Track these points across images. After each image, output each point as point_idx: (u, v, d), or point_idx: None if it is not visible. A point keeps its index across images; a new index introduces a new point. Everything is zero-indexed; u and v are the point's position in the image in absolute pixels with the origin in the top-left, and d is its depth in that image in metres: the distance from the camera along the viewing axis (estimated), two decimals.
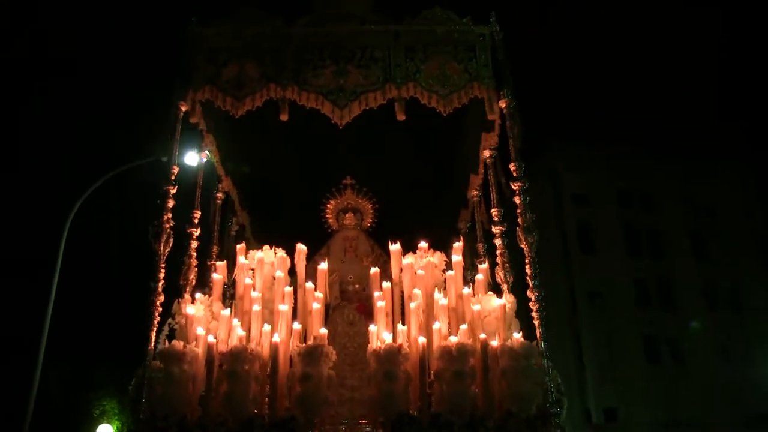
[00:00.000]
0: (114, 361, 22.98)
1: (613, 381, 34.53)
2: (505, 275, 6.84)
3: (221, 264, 7.28)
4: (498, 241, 7.07)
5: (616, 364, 35.07)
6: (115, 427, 24.88)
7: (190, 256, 7.10)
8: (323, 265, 7.06)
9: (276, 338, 5.76)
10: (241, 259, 7.21)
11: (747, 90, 62.05)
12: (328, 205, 8.68)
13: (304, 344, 5.75)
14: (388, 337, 5.81)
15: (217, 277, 7.00)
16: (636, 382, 34.59)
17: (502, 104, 6.63)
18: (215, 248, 7.92)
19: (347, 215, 8.60)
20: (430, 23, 6.88)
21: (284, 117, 6.66)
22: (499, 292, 6.81)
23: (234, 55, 6.79)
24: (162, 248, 6.04)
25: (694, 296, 37.63)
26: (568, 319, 35.12)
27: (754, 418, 15.73)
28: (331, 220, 8.68)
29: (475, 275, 7.22)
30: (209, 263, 7.61)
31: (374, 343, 5.85)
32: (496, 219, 7.19)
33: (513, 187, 6.37)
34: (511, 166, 6.43)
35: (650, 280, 37.62)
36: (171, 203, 6.30)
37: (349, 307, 7.88)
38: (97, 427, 24.62)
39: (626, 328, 35.89)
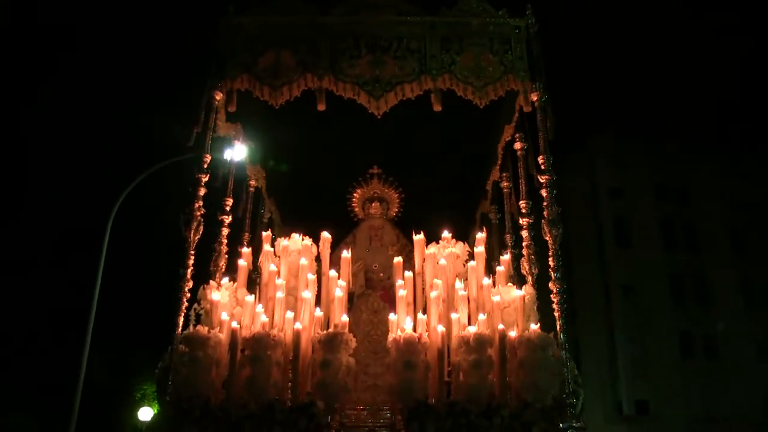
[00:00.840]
0: (152, 347, 23.73)
1: (646, 374, 34.37)
2: (530, 267, 6.87)
3: (246, 251, 7.41)
4: (525, 233, 7.12)
5: (649, 357, 34.85)
6: (155, 410, 25.71)
7: (221, 243, 7.32)
8: (346, 254, 7.17)
9: (298, 325, 5.88)
10: (266, 246, 7.33)
11: None
12: (355, 195, 8.73)
13: (324, 331, 5.85)
14: (408, 326, 5.89)
15: (243, 263, 7.13)
16: (669, 376, 34.35)
17: (534, 97, 6.63)
18: (246, 235, 8.08)
19: (373, 204, 8.66)
20: (465, 15, 6.88)
21: (321, 107, 6.76)
22: (524, 284, 6.86)
23: (270, 44, 6.85)
24: (192, 235, 6.18)
25: (730, 292, 37.12)
26: (602, 312, 34.95)
27: None
28: (357, 209, 8.74)
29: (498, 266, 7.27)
30: (239, 250, 7.75)
31: (394, 332, 5.95)
32: (524, 211, 7.24)
33: (541, 179, 6.38)
34: (540, 159, 6.44)
35: (686, 275, 37.21)
36: (203, 191, 6.42)
37: (374, 295, 7.93)
38: (138, 410, 25.63)
39: (661, 323, 35.60)
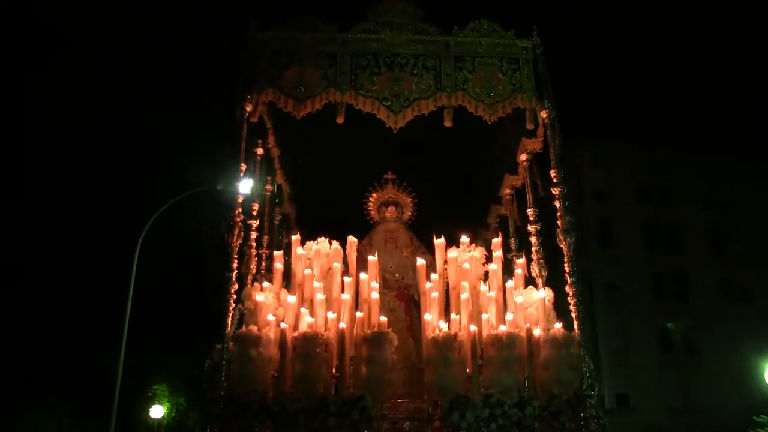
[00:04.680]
0: (162, 350, 24.43)
1: (627, 368, 35.56)
2: (540, 270, 7.41)
3: (279, 253, 7.84)
4: (533, 239, 7.64)
5: (630, 352, 36.04)
6: (166, 408, 26.44)
7: (251, 246, 7.64)
8: (373, 258, 7.59)
9: (342, 325, 6.39)
10: (298, 249, 7.75)
11: None
12: (371, 198, 9.20)
13: (369, 330, 6.37)
14: (444, 326, 6.44)
15: (279, 266, 7.57)
16: (649, 370, 35.65)
17: (543, 114, 7.16)
18: (266, 237, 8.49)
19: (389, 208, 9.13)
20: (476, 35, 7.37)
21: (341, 120, 7.14)
22: (533, 285, 7.41)
23: (294, 59, 7.24)
24: (234, 240, 6.60)
25: (708, 290, 38.41)
26: (585, 309, 35.76)
27: (763, 406, 16.54)
28: (373, 213, 9.21)
29: (512, 269, 7.81)
30: (260, 252, 8.10)
31: (429, 331, 6.48)
32: (532, 218, 7.74)
33: (553, 192, 6.93)
34: (552, 173, 6.98)
35: (667, 274, 38.38)
36: (241, 199, 6.85)
37: (390, 294, 8.45)
38: (150, 407, 26.46)
39: (641, 319, 36.79)
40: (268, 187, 8.77)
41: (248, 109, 7.15)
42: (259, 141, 8.06)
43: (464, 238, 7.88)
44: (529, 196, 7.91)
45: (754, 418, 15.82)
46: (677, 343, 37.59)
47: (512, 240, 8.59)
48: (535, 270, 7.46)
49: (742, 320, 36.70)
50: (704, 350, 36.89)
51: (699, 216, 39.72)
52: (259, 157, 8.06)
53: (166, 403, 27.04)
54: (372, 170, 9.15)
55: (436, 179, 9.06)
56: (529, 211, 7.83)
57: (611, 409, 33.63)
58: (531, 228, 7.75)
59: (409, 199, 9.19)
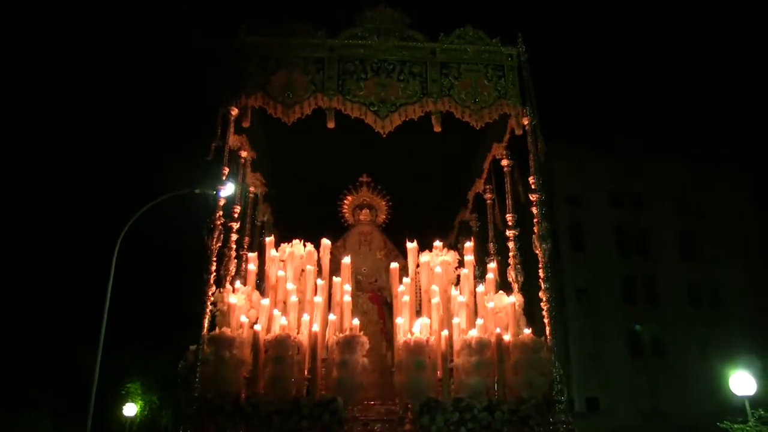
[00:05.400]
0: (136, 348, 24.44)
1: (597, 372, 35.93)
2: (516, 275, 7.52)
3: (253, 255, 7.88)
4: (511, 244, 7.74)
5: (600, 356, 36.39)
6: (139, 406, 26.45)
7: (230, 248, 7.57)
8: (347, 260, 7.68)
9: (316, 328, 6.45)
10: (272, 251, 7.80)
11: (740, 93, 62.96)
12: (345, 201, 9.27)
13: (342, 333, 6.43)
14: (416, 330, 6.52)
15: (252, 267, 7.61)
16: (619, 373, 36.06)
17: (525, 121, 7.26)
18: (247, 239, 8.51)
19: (363, 211, 9.22)
20: (462, 42, 7.46)
21: (331, 125, 7.20)
22: (507, 290, 7.51)
23: (282, 63, 7.28)
24: (214, 243, 6.62)
25: (677, 294, 38.92)
26: (556, 313, 36.02)
27: (730, 410, 16.82)
28: (347, 215, 9.28)
29: (485, 273, 7.90)
30: (241, 253, 8.08)
31: (400, 335, 6.56)
32: (510, 223, 7.84)
33: (531, 198, 7.02)
34: (530, 179, 7.07)
35: (637, 278, 38.88)
36: (222, 202, 6.87)
37: (363, 296, 8.51)
38: (123, 405, 26.46)
39: (611, 323, 37.22)
40: (252, 189, 8.82)
41: (234, 112, 7.16)
42: (244, 143, 8.07)
43: (437, 243, 7.96)
44: (509, 202, 7.98)
45: (718, 424, 16.07)
46: (647, 347, 38.07)
47: (491, 244, 8.67)
48: (511, 275, 7.57)
49: (711, 324, 37.36)
50: (673, 354, 37.39)
51: (670, 221, 40.22)
52: (243, 160, 8.10)
53: (139, 401, 27.01)
54: (347, 173, 9.21)
55: (410, 183, 9.14)
56: (508, 216, 7.92)
57: (581, 412, 33.98)
58: (509, 233, 7.85)
59: (384, 203, 9.27)
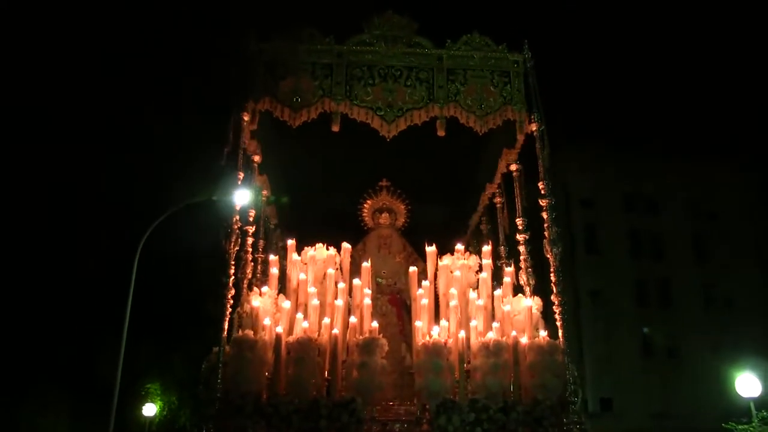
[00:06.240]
0: (155, 348, 24.76)
1: (611, 373, 35.91)
2: (527, 278, 7.62)
3: (274, 259, 8.05)
4: (522, 248, 7.86)
5: (613, 357, 36.36)
6: (158, 406, 26.80)
7: (247, 252, 7.75)
8: (366, 264, 7.84)
9: (336, 330, 6.61)
10: (293, 255, 7.96)
11: (753, 95, 62.53)
12: (365, 205, 9.45)
13: (361, 336, 6.59)
14: (435, 332, 6.66)
15: (275, 271, 7.78)
16: (632, 375, 36.07)
17: (533, 127, 7.37)
18: (261, 242, 8.68)
19: (383, 215, 9.38)
20: (469, 48, 7.59)
21: (336, 128, 7.32)
22: (521, 293, 7.62)
23: (290, 69, 7.43)
24: (231, 247, 6.80)
25: (691, 296, 38.85)
26: (570, 315, 36.10)
27: (739, 412, 16.93)
28: (367, 219, 9.45)
29: (498, 276, 8.04)
30: (256, 256, 8.27)
31: (419, 338, 6.71)
32: (521, 228, 7.94)
33: (541, 203, 7.13)
34: (540, 185, 7.19)
35: (650, 281, 38.84)
36: (239, 206, 7.04)
37: (382, 299, 8.69)
38: (143, 405, 26.74)
39: (625, 325, 37.25)
40: (265, 192, 8.95)
41: (246, 117, 7.31)
42: (256, 148, 8.15)
43: (459, 246, 8.09)
44: (518, 206, 8.05)
45: (723, 425, 16.15)
46: (659, 349, 38.04)
47: (502, 248, 8.79)
48: (523, 278, 7.67)
49: (723, 327, 37.26)
50: (686, 356, 37.40)
51: (683, 224, 40.16)
52: (256, 164, 8.20)
53: (159, 402, 27.30)
54: (367, 178, 9.36)
55: (429, 187, 9.26)
56: (518, 221, 7.98)
57: (595, 413, 34.01)
58: (520, 237, 7.93)
59: (403, 206, 9.42)
